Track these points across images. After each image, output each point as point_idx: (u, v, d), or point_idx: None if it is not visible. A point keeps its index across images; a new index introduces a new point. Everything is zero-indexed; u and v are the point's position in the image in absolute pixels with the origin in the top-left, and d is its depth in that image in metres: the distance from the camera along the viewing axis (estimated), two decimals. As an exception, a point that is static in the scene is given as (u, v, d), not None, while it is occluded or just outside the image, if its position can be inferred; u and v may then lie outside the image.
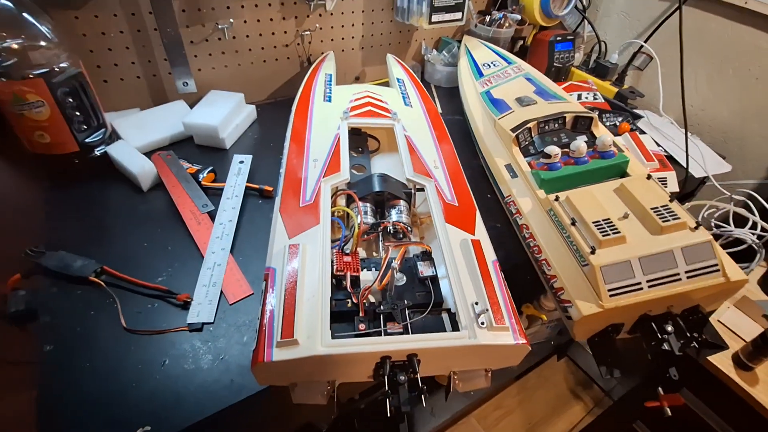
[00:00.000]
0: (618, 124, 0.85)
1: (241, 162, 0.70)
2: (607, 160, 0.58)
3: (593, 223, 0.49)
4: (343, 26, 0.91)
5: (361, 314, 0.43)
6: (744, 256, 0.81)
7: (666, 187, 0.72)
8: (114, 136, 0.70)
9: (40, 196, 0.62)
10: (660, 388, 0.50)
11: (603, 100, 0.92)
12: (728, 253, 0.55)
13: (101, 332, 0.46)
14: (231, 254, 0.56)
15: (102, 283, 0.50)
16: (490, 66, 0.89)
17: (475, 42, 0.99)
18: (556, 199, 0.54)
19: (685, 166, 0.83)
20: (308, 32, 0.87)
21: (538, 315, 0.88)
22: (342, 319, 0.43)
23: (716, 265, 0.46)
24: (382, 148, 0.75)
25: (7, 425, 0.39)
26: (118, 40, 0.71)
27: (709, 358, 0.67)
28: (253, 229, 0.60)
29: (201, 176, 0.66)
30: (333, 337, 0.39)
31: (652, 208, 0.49)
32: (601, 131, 0.66)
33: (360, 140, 0.72)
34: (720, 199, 0.87)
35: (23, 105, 0.56)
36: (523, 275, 0.59)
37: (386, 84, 0.94)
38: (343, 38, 0.93)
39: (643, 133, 0.90)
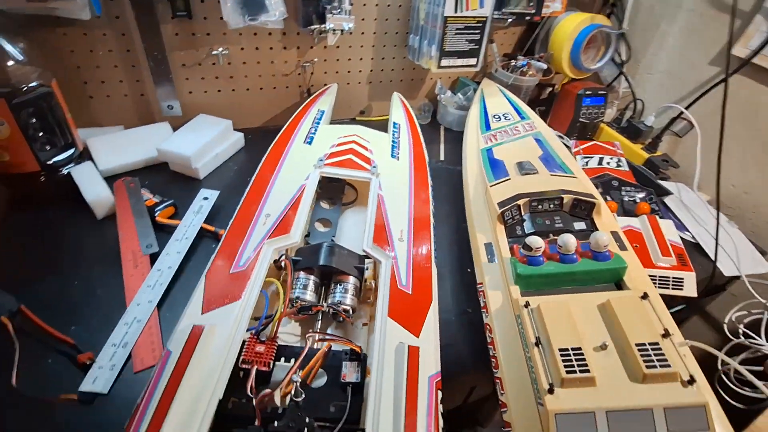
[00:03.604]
0: (638, 201, 0.74)
1: (206, 198, 0.65)
2: (600, 263, 0.48)
3: (560, 350, 0.40)
4: (350, 59, 0.87)
5: (257, 423, 0.37)
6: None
7: (681, 290, 0.60)
8: (85, 156, 0.68)
9: (-6, 214, 0.61)
10: None
11: (627, 169, 0.81)
12: (754, 372, 0.44)
13: (-11, 385, 0.42)
14: (158, 309, 0.51)
15: (10, 327, 0.46)
16: (500, 119, 0.80)
17: (494, 88, 0.90)
18: (526, 305, 0.45)
19: (713, 258, 0.71)
20: (309, 63, 0.82)
21: None
22: (240, 423, 0.37)
23: (710, 437, 0.36)
24: (360, 200, 0.68)
25: None
26: (106, 58, 0.70)
27: None
28: (195, 279, 0.55)
29: (158, 210, 0.62)
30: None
31: (637, 345, 0.39)
32: (603, 220, 0.56)
33: (336, 189, 0.66)
34: (751, 303, 0.74)
35: (-18, 122, 0.55)
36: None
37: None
38: (349, 71, 0.88)
39: (669, 213, 0.78)
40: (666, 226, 0.68)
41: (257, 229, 0.52)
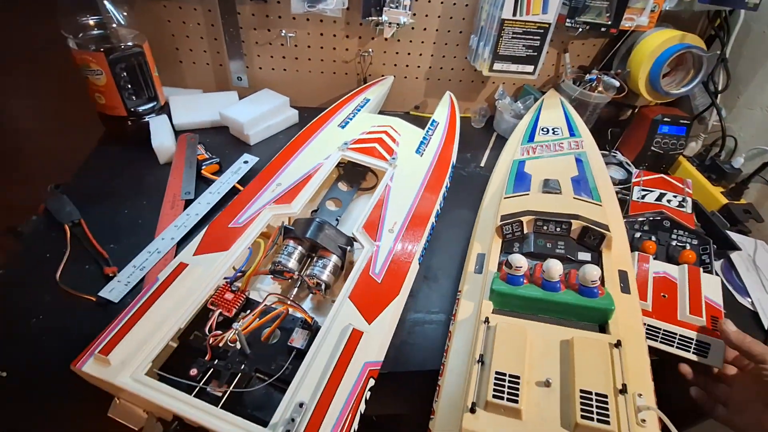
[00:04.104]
0: (687, 247, 0.64)
1: (246, 162, 0.73)
2: (584, 299, 0.44)
3: (497, 373, 0.38)
4: (409, 54, 0.88)
5: (207, 358, 0.42)
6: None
7: (705, 357, 0.52)
8: (166, 110, 0.80)
9: (88, 144, 0.75)
10: None
11: (690, 212, 0.71)
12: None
13: (41, 271, 0.53)
14: (177, 246, 0.59)
15: (68, 234, 0.58)
16: (548, 132, 0.76)
17: (556, 100, 0.85)
18: (486, 320, 0.44)
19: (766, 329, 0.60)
20: (367, 53, 0.86)
21: None
22: (195, 354, 0.43)
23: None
24: (378, 189, 0.70)
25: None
26: (195, 29, 0.81)
27: None
28: (215, 229, 0.63)
29: (204, 165, 0.71)
30: (157, 371, 0.40)
31: (582, 391, 0.36)
32: (612, 256, 0.51)
33: (358, 174, 0.70)
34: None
35: (87, 71, 0.68)
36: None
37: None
38: (407, 65, 0.90)
39: (732, 272, 0.67)
40: (709, 282, 0.59)
41: (265, 194, 0.57)
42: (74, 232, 0.59)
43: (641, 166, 0.87)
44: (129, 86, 0.72)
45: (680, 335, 0.53)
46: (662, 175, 0.78)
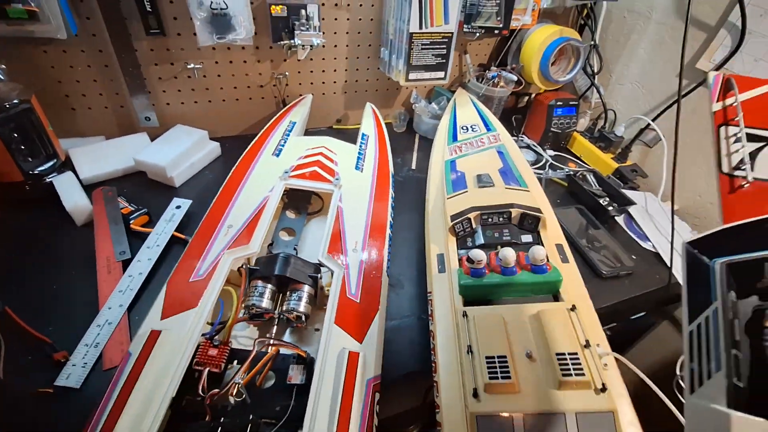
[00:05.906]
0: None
1: (178, 207, 0.69)
2: (537, 276, 0.51)
3: (486, 358, 0.43)
4: (323, 71, 0.89)
5: (207, 419, 0.41)
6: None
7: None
8: (67, 165, 0.71)
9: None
10: None
11: None
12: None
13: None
14: (128, 312, 0.54)
15: (-5, 327, 0.50)
16: (467, 130, 0.83)
17: (466, 98, 0.93)
18: (464, 314, 0.48)
19: (669, 266, 0.73)
20: (283, 75, 0.85)
21: None
22: (193, 419, 0.41)
23: (616, 439, 0.39)
24: (326, 209, 0.71)
25: None
26: (86, 73, 0.73)
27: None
28: (164, 284, 0.59)
29: (132, 218, 0.66)
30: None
31: (557, 354, 0.42)
32: (549, 233, 0.59)
33: (302, 198, 0.70)
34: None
35: (-32, 139, 0.58)
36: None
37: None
38: (323, 82, 0.91)
39: (633, 223, 0.81)
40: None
41: (218, 239, 0.55)
42: (2, 323, 0.51)
43: (546, 146, 0.99)
44: (22, 147, 0.63)
45: None
46: None
